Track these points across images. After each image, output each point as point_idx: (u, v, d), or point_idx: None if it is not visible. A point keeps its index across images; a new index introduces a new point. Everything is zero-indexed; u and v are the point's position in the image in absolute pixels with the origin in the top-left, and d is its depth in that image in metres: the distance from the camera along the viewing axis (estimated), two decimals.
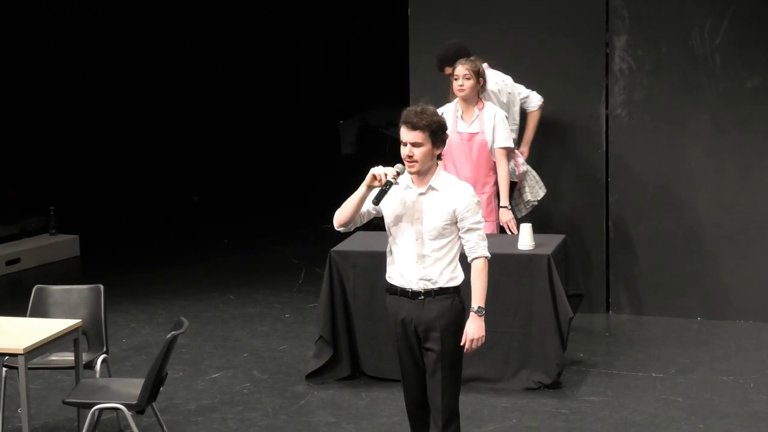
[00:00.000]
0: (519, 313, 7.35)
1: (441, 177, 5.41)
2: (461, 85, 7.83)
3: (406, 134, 5.31)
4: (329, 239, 7.94)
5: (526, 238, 7.47)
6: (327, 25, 15.33)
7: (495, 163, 7.93)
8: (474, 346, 5.38)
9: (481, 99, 7.92)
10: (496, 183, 7.97)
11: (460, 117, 7.91)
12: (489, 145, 7.90)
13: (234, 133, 14.97)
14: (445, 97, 8.07)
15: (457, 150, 7.91)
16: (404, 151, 5.32)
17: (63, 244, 11.65)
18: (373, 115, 14.70)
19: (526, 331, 7.39)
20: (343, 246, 7.67)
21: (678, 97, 8.90)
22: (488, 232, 7.70)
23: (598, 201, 9.11)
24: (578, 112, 8.56)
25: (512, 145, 7.97)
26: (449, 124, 7.88)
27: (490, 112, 7.90)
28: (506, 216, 7.89)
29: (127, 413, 5.92)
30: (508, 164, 7.94)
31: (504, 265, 7.20)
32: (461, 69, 7.81)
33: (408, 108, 5.41)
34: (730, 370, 7.77)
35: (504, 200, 7.89)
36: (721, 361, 7.99)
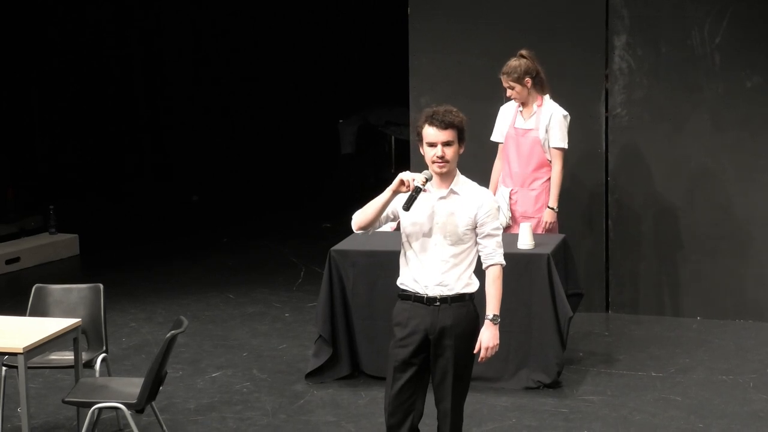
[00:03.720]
0: (519, 313, 7.34)
1: (461, 181, 5.35)
2: (510, 96, 7.94)
3: (437, 134, 5.23)
4: (329, 238, 7.95)
5: (525, 238, 7.46)
6: (326, 24, 15.33)
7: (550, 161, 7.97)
8: (489, 354, 5.33)
9: (540, 96, 7.93)
10: (549, 180, 7.99)
11: (520, 113, 7.98)
12: (542, 142, 7.91)
13: (233, 133, 14.98)
14: (444, 96, 8.07)
15: (510, 145, 7.98)
16: (434, 152, 5.23)
17: (62, 243, 11.65)
18: (372, 115, 14.73)
19: (525, 331, 7.39)
20: (342, 245, 7.67)
21: (677, 97, 8.90)
22: (534, 230, 7.74)
23: (598, 200, 9.11)
24: (578, 112, 8.54)
25: (565, 146, 7.94)
26: (509, 119, 7.99)
27: (547, 111, 7.93)
28: (549, 217, 7.90)
29: (127, 412, 5.92)
30: (563, 165, 7.93)
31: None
32: (503, 82, 7.89)
33: (428, 110, 5.34)
34: (729, 370, 7.78)
35: (552, 201, 7.90)
36: (721, 360, 7.99)
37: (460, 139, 5.28)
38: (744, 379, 7.58)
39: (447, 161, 5.24)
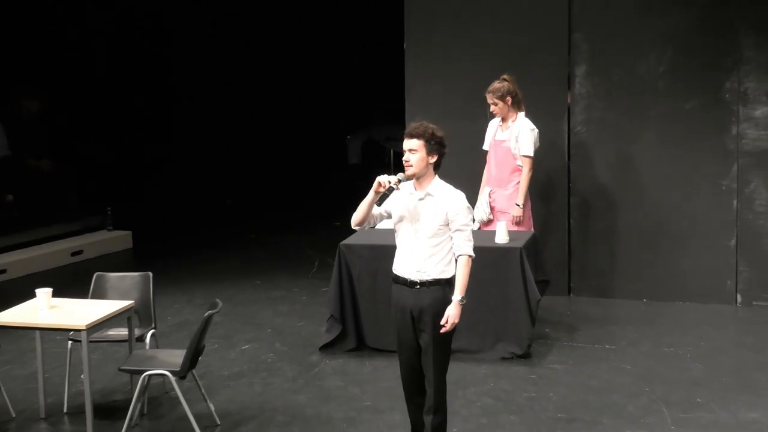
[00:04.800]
0: (496, 296, 7.36)
1: (437, 184, 5.39)
2: (493, 111, 7.99)
3: (405, 143, 5.35)
4: (339, 234, 7.95)
5: (502, 234, 7.49)
6: (327, 24, 15.02)
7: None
8: (450, 328, 5.31)
9: (516, 113, 7.98)
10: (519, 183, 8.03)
11: (500, 127, 8.07)
12: (513, 151, 7.96)
13: (260, 147, 14.90)
14: (435, 115, 8.07)
15: (492, 153, 8.09)
16: (404, 157, 5.36)
17: (118, 239, 11.67)
18: (375, 131, 14.75)
19: (501, 311, 7.40)
20: (350, 240, 7.69)
21: (628, 117, 8.91)
22: (509, 227, 7.75)
23: (562, 203, 9.12)
24: (545, 129, 8.57)
25: (531, 154, 7.96)
26: (491, 133, 8.09)
27: (518, 125, 7.98)
28: (515, 211, 7.94)
29: (172, 378, 5.93)
30: (530, 170, 7.96)
31: (483, 256, 7.18)
32: (488, 99, 7.97)
33: (411, 123, 5.46)
34: (671, 343, 7.79)
35: (519, 199, 7.94)
36: (664, 335, 8.00)
37: (430, 149, 5.32)
38: (683, 351, 7.60)
39: (411, 165, 5.32)
